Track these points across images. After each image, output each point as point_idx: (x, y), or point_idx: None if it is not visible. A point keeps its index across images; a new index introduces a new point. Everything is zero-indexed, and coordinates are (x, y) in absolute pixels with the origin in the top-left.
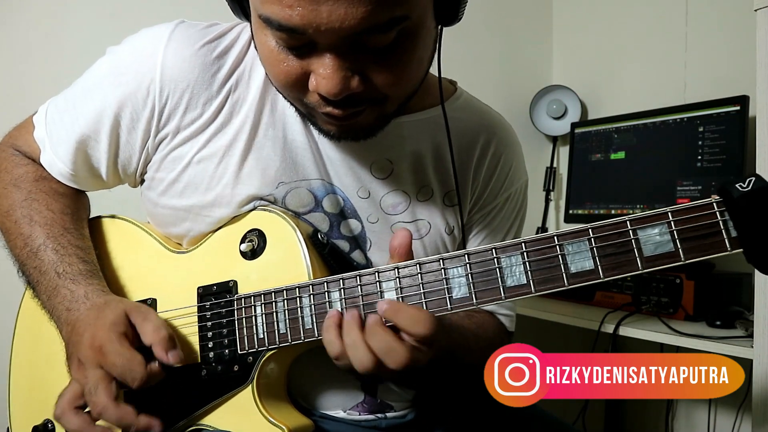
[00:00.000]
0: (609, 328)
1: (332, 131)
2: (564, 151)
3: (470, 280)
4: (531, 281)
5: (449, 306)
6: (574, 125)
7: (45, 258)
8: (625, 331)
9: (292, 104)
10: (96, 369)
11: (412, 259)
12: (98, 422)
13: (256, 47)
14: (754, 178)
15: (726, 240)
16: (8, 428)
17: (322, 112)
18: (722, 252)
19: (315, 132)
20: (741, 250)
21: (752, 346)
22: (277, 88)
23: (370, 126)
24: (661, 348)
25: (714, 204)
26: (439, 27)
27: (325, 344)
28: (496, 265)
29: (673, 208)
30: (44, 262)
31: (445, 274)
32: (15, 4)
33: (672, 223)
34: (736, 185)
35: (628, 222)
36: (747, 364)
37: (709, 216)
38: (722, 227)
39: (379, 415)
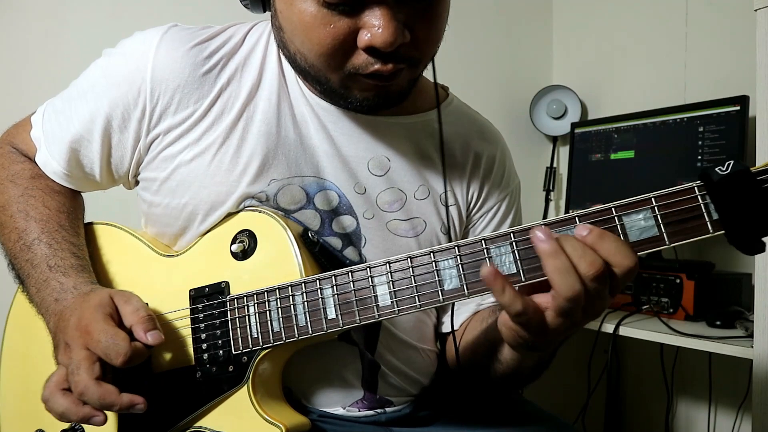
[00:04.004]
0: (609, 328)
1: (369, 98)
2: (564, 151)
3: (461, 272)
4: (521, 270)
5: (441, 298)
6: (574, 125)
7: (38, 251)
8: (625, 331)
9: (321, 83)
10: (81, 349)
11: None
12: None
13: (282, 29)
14: (732, 162)
15: (708, 223)
16: None
17: (366, 74)
18: (705, 234)
19: (310, 129)
20: (722, 232)
21: (752, 346)
22: (309, 66)
23: (403, 90)
24: (661, 348)
25: (695, 188)
26: None
27: (558, 278)
28: (486, 256)
29: (657, 193)
30: (37, 255)
31: (436, 267)
32: (15, 4)
33: (655, 207)
34: (716, 169)
35: (613, 208)
36: (747, 364)
37: (691, 200)
38: (704, 210)
39: (378, 410)
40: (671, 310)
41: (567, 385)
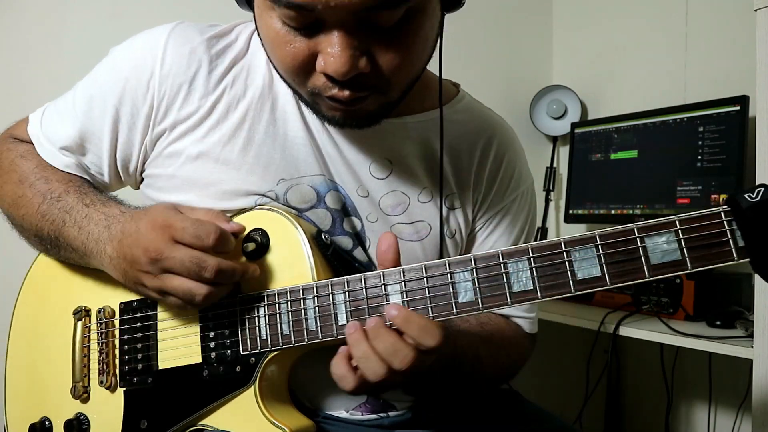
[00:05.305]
0: (609, 328)
1: (336, 117)
2: (564, 151)
3: (476, 285)
4: (537, 287)
5: (455, 310)
6: (574, 125)
7: (69, 199)
8: (625, 331)
9: (295, 92)
10: (173, 244)
11: (399, 264)
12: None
13: (259, 34)
14: (763, 189)
15: (733, 249)
16: (5, 428)
17: (327, 96)
18: (729, 261)
19: (314, 130)
20: (748, 259)
21: (752, 346)
22: (281, 75)
23: (374, 113)
24: (661, 348)
25: (722, 213)
26: (443, 16)
27: (339, 380)
28: (503, 270)
29: (681, 216)
30: (68, 202)
31: (451, 279)
32: (15, 5)
33: (679, 231)
34: (745, 195)
35: (635, 229)
36: (747, 364)
37: (716, 225)
38: (729, 236)
39: (381, 414)
40: (671, 310)
41: (567, 385)
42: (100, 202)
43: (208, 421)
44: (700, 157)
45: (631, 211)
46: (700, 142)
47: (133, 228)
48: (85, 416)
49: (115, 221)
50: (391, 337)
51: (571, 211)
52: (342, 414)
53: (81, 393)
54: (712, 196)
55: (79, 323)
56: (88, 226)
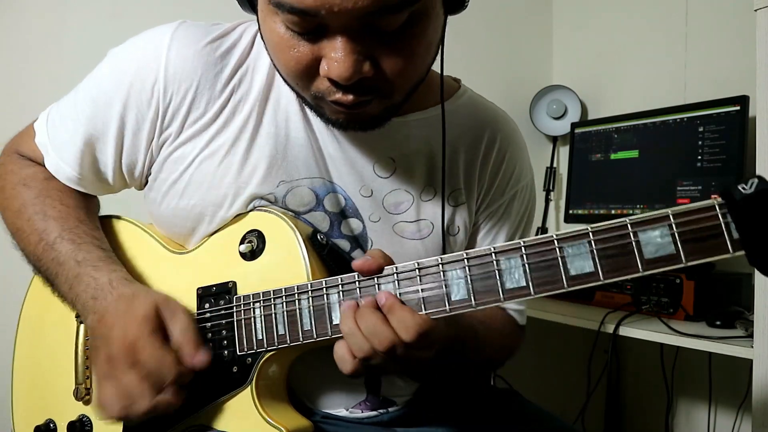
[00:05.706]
0: (609, 328)
1: (340, 120)
2: (564, 151)
3: (469, 282)
4: (530, 283)
5: (447, 307)
6: (574, 125)
7: (62, 249)
8: (625, 331)
9: (299, 95)
10: (129, 371)
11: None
12: None
13: (263, 38)
14: (756, 180)
15: (728, 242)
16: (12, 430)
17: (330, 100)
18: (724, 254)
19: (317, 130)
20: (743, 252)
21: (752, 346)
22: (284, 79)
23: (378, 116)
24: (661, 348)
25: (716, 206)
26: (446, 17)
27: (339, 361)
28: (496, 267)
29: (675, 209)
30: (61, 253)
31: (444, 276)
32: (15, 4)
33: (673, 224)
34: (739, 187)
35: (628, 224)
36: (747, 364)
37: (710, 218)
38: (724, 229)
39: (381, 410)
40: (671, 310)
41: (567, 385)
42: (91, 263)
43: (207, 421)
44: (700, 157)
45: (631, 211)
46: (700, 142)
47: (110, 322)
48: (88, 418)
49: (102, 298)
50: (373, 318)
51: (571, 211)
52: (342, 412)
53: (83, 395)
54: (712, 196)
55: (82, 326)
56: (78, 287)
